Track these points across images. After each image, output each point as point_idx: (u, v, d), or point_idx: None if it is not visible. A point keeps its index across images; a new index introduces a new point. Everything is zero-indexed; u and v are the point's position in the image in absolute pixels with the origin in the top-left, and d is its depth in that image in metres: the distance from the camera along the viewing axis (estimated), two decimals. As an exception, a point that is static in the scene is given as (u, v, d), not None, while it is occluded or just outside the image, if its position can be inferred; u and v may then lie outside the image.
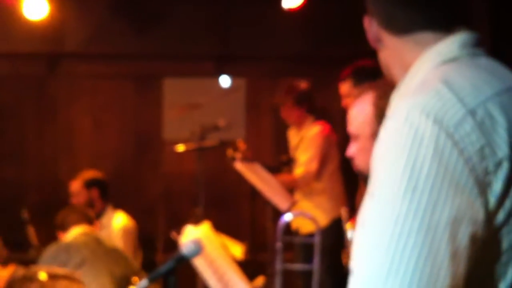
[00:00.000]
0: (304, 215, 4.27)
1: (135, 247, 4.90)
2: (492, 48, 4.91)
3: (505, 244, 1.01)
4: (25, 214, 4.89)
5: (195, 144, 4.79)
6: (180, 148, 4.87)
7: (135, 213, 5.07)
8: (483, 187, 0.98)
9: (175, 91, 6.43)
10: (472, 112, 1.00)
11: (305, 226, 4.46)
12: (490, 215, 0.99)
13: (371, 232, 0.98)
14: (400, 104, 1.05)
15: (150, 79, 6.50)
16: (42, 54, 6.32)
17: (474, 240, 0.97)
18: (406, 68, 1.18)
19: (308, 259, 4.13)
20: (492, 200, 0.99)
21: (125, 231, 4.77)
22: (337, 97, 3.87)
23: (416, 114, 1.00)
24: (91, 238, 3.69)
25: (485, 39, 1.20)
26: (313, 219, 4.14)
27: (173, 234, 2.85)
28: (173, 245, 3.06)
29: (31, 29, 5.68)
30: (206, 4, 6.28)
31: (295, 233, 4.56)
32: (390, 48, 1.22)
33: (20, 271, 3.05)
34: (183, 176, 6.05)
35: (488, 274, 1.02)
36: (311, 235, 4.17)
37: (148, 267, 4.52)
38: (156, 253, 5.45)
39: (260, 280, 2.99)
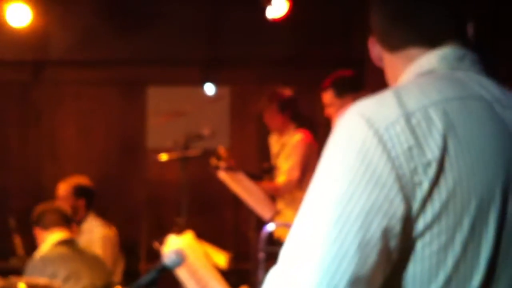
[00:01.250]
0: (286, 225, 4.28)
1: (116, 256, 4.87)
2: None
3: (435, 246, 1.05)
4: (12, 223, 4.86)
5: (179, 153, 4.79)
6: (164, 157, 4.87)
7: (118, 220, 5.06)
8: (409, 185, 1.03)
9: (159, 99, 6.43)
10: (408, 115, 1.06)
11: (287, 236, 4.46)
12: (414, 214, 1.04)
13: (297, 217, 1.08)
14: (350, 107, 1.12)
15: (135, 86, 6.49)
16: (26, 61, 6.30)
17: (388, 235, 1.02)
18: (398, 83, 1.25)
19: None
20: (419, 198, 1.04)
21: (105, 240, 4.74)
22: (322, 103, 3.91)
23: (353, 114, 1.09)
24: (73, 248, 3.68)
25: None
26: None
27: (156, 244, 2.85)
28: (156, 253, 3.06)
29: (15, 36, 5.66)
30: (192, 11, 6.29)
31: (278, 242, 4.56)
32: (387, 64, 1.29)
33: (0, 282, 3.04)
34: (166, 184, 6.05)
35: (419, 275, 1.06)
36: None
37: (130, 275, 4.51)
38: (139, 262, 5.43)
39: (243, 289, 3.00)
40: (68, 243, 3.70)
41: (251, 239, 4.63)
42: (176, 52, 6.32)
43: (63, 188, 4.81)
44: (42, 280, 3.13)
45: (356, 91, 3.67)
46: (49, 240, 3.68)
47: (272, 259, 4.40)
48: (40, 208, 3.84)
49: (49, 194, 4.97)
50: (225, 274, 2.78)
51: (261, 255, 3.94)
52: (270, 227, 4.04)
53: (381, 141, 1.04)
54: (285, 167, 4.58)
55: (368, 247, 1.01)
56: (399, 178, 1.02)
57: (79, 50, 6.23)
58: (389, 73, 1.29)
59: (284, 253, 1.07)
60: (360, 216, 1.01)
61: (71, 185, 4.80)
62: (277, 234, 4.56)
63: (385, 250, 1.02)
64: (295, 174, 4.52)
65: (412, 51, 1.22)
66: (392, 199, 1.02)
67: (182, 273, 2.55)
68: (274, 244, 4.45)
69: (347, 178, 1.03)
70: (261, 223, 4.24)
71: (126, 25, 6.24)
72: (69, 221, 3.85)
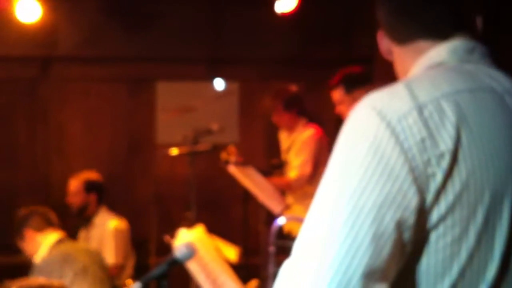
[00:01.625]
0: (296, 219, 4.27)
1: (128, 250, 4.89)
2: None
3: (449, 237, 1.05)
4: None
5: (188, 148, 4.79)
6: (173, 152, 4.87)
7: (127, 215, 5.07)
8: (422, 177, 1.03)
9: (168, 94, 6.43)
10: (420, 107, 1.05)
11: (297, 230, 4.45)
12: (428, 205, 1.04)
13: (311, 209, 1.08)
14: (361, 100, 1.12)
15: (143, 82, 6.49)
16: (34, 57, 6.30)
17: (402, 226, 1.02)
18: (407, 75, 1.24)
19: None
20: (433, 190, 1.03)
21: (117, 232, 4.77)
22: (329, 100, 3.90)
23: (365, 107, 1.08)
24: (72, 245, 3.68)
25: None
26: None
27: (166, 237, 2.85)
28: (166, 248, 3.06)
29: (24, 32, 5.67)
30: (199, 7, 6.29)
31: (288, 236, 4.55)
32: (397, 57, 1.29)
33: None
34: (175, 179, 6.05)
35: (433, 267, 1.06)
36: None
37: (141, 270, 4.52)
38: (149, 256, 5.44)
39: (253, 283, 2.99)
40: (65, 241, 3.68)
41: (261, 233, 4.63)
42: (183, 48, 6.32)
43: (74, 184, 4.84)
44: (41, 280, 3.12)
45: (365, 85, 3.67)
46: (46, 242, 3.63)
47: (282, 253, 4.39)
48: (26, 210, 3.78)
49: (57, 189, 4.99)
50: (235, 268, 2.78)
51: (271, 249, 3.92)
52: (280, 221, 4.04)
53: (393, 133, 1.03)
54: (296, 163, 4.57)
55: (382, 239, 1.01)
56: (412, 170, 1.02)
57: (87, 47, 6.24)
58: (398, 66, 1.29)
59: (297, 247, 1.07)
60: (373, 209, 1.01)
61: (82, 181, 4.83)
62: (287, 228, 4.55)
63: (399, 242, 1.02)
64: (307, 169, 4.51)
65: (421, 43, 1.21)
66: (406, 191, 1.02)
67: (192, 266, 2.54)
68: (284, 238, 4.44)
69: (359, 171, 1.03)
70: (271, 217, 4.23)
71: (134, 22, 6.25)
72: (55, 223, 3.79)
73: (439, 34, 1.20)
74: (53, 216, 3.81)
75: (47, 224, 3.70)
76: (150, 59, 6.38)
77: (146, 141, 6.41)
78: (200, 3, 6.30)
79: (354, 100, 3.65)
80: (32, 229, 3.69)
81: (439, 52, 1.19)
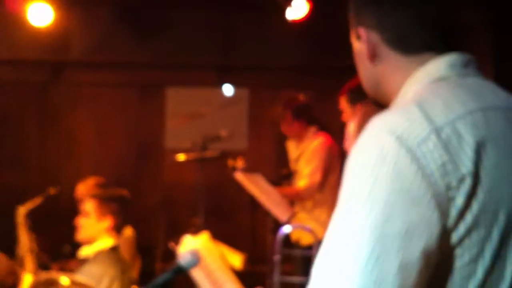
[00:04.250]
0: (303, 228, 4.26)
1: (133, 255, 4.89)
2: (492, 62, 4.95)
3: (466, 258, 1.04)
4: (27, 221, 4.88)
5: (197, 154, 4.79)
6: (181, 157, 4.87)
7: (135, 221, 5.07)
8: (444, 201, 1.01)
9: (178, 100, 6.45)
10: (437, 131, 1.04)
11: (305, 238, 4.44)
12: (449, 229, 1.02)
13: (328, 239, 1.04)
14: (373, 121, 1.08)
15: (153, 88, 6.52)
16: (46, 61, 6.34)
17: (427, 253, 1.00)
18: (400, 86, 1.22)
19: (308, 271, 4.10)
20: (454, 214, 1.02)
21: (122, 239, 4.77)
22: (338, 109, 3.91)
23: (381, 131, 1.05)
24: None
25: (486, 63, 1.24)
26: (312, 232, 4.13)
27: (171, 244, 2.85)
28: (172, 254, 3.06)
29: (36, 36, 5.70)
30: (210, 15, 6.31)
31: (295, 245, 4.54)
32: (390, 65, 1.24)
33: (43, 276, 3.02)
34: (183, 185, 6.06)
35: (450, 286, 1.05)
36: (310, 248, 4.17)
37: (146, 275, 4.52)
38: (155, 262, 5.44)
39: (258, 292, 2.98)
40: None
41: (268, 241, 4.62)
42: (194, 55, 6.34)
43: (82, 190, 4.84)
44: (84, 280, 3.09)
45: (365, 100, 3.69)
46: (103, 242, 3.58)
47: (288, 261, 4.39)
48: None
49: (66, 193, 5.00)
50: (241, 275, 2.77)
51: (277, 257, 3.93)
52: (286, 229, 4.03)
53: (414, 158, 1.01)
54: (306, 171, 4.54)
55: (408, 268, 0.99)
56: (435, 195, 1.01)
57: (99, 52, 6.27)
58: (388, 73, 1.24)
59: (318, 277, 1.03)
60: (398, 237, 0.99)
61: (89, 187, 4.83)
62: (295, 237, 4.54)
63: (424, 268, 1.00)
64: (317, 177, 4.48)
65: (426, 55, 1.20)
66: (429, 217, 1.00)
67: (197, 274, 2.54)
68: (291, 246, 4.43)
69: (382, 199, 1.00)
70: (278, 225, 4.22)
71: (145, 29, 6.27)
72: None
73: (443, 47, 1.20)
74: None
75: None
76: (161, 65, 6.40)
77: (155, 146, 6.42)
78: (213, 10, 6.32)
79: (354, 112, 3.73)
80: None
81: (438, 67, 1.18)
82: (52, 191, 4.76)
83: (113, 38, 6.23)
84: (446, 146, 1.03)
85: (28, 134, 6.44)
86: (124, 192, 3.61)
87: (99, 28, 6.23)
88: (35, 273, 3.21)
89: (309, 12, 5.14)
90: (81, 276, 3.12)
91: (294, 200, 4.60)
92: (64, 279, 2.91)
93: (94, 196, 3.53)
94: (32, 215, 5.13)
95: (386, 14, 1.22)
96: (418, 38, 1.20)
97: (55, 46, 6.17)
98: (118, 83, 6.47)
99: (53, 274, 3.06)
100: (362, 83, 1.32)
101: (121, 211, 3.57)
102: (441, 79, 1.17)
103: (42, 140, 6.44)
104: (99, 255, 3.38)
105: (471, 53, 1.21)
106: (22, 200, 6.13)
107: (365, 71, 1.29)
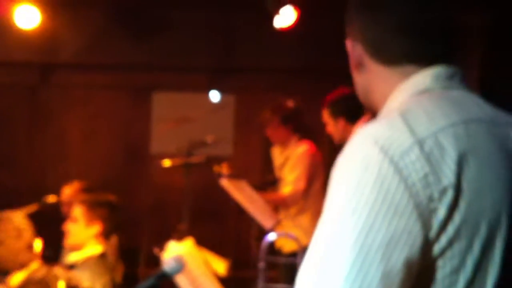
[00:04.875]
0: (288, 236, 4.27)
1: (116, 260, 4.86)
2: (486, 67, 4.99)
3: (448, 269, 1.06)
4: None
5: (182, 160, 4.79)
6: (167, 163, 4.87)
7: (120, 224, 5.05)
8: (426, 212, 1.03)
9: (165, 105, 6.45)
10: (420, 142, 1.05)
11: (288, 245, 4.46)
12: (431, 240, 1.04)
13: (312, 249, 1.05)
14: (358, 131, 1.10)
15: (143, 91, 6.51)
16: (35, 63, 6.32)
17: (409, 263, 1.01)
18: (385, 96, 1.24)
19: (292, 278, 4.10)
20: (436, 225, 1.03)
21: (109, 245, 4.74)
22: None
23: (366, 142, 1.06)
24: None
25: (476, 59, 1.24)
26: (296, 239, 4.14)
27: (156, 249, 2.85)
28: (156, 259, 3.06)
29: (25, 38, 5.67)
30: (202, 19, 6.31)
31: (278, 251, 4.55)
32: (374, 75, 1.26)
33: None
34: (170, 190, 6.05)
35: None
36: (293, 254, 4.18)
37: (129, 281, 4.50)
38: (138, 267, 5.42)
39: (242, 298, 2.98)
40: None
41: (252, 248, 4.62)
42: (184, 59, 6.33)
43: (67, 192, 4.82)
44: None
45: (348, 116, 3.82)
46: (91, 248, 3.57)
47: (272, 268, 4.40)
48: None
49: (54, 195, 4.98)
50: (225, 281, 2.78)
51: (261, 264, 3.93)
52: (271, 236, 4.04)
53: (397, 169, 1.02)
54: (291, 178, 4.56)
55: (390, 278, 1.00)
56: (416, 206, 1.02)
57: (87, 54, 6.25)
58: (373, 84, 1.27)
59: (301, 286, 1.04)
60: (381, 248, 1.00)
61: (75, 190, 4.81)
62: (277, 243, 4.55)
63: (406, 279, 1.02)
64: (301, 184, 4.50)
65: (408, 67, 1.21)
66: (411, 228, 1.01)
67: (181, 280, 2.54)
68: (275, 254, 4.44)
69: (365, 209, 1.01)
70: (263, 232, 4.23)
71: (136, 31, 6.26)
72: None
73: (426, 59, 1.20)
74: None
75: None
76: (151, 68, 6.39)
77: (142, 150, 6.41)
78: (204, 14, 6.31)
79: (336, 125, 3.86)
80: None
81: (424, 79, 1.19)
82: (50, 199, 4.72)
83: (102, 40, 6.22)
84: (428, 158, 1.04)
85: (17, 135, 6.41)
86: (112, 198, 3.60)
87: (88, 30, 6.22)
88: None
89: (299, 16, 5.16)
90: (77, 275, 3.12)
91: (279, 206, 4.62)
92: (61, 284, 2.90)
93: (83, 202, 3.51)
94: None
95: (367, 27, 1.24)
96: (396, 50, 1.21)
97: (44, 48, 6.15)
98: (107, 85, 6.45)
99: (52, 271, 3.03)
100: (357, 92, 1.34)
101: (110, 217, 3.55)
102: (425, 91, 1.19)
103: (31, 141, 6.42)
104: (87, 261, 3.36)
105: (463, 60, 1.23)
106: (8, 202, 6.11)
107: (356, 80, 1.31)
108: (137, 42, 6.22)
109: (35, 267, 3.13)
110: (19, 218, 3.47)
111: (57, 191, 4.89)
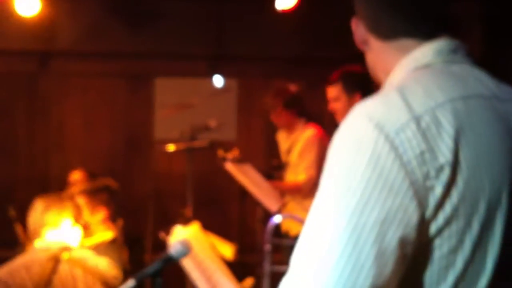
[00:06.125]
0: (293, 218, 4.25)
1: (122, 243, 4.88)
2: (485, 55, 4.95)
3: (445, 248, 1.03)
4: (11, 212, 4.85)
5: (185, 144, 4.77)
6: (170, 148, 4.85)
7: (124, 211, 5.06)
8: (422, 191, 1.00)
9: (167, 91, 6.42)
10: (417, 118, 1.03)
11: (295, 228, 4.44)
12: (428, 219, 1.01)
13: (307, 227, 1.03)
14: (355, 107, 1.08)
15: (142, 78, 6.48)
16: (34, 51, 6.29)
17: (404, 243, 0.99)
18: (387, 72, 1.22)
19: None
20: (432, 204, 1.01)
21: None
22: (327, 97, 3.85)
23: (361, 118, 1.04)
24: None
25: (475, 46, 1.22)
26: (302, 222, 4.12)
27: (162, 234, 2.84)
28: (161, 245, 3.05)
29: (23, 26, 5.66)
30: (200, 4, 6.28)
31: (285, 235, 4.54)
32: (377, 51, 1.25)
33: None
34: (173, 176, 6.04)
35: (428, 277, 1.04)
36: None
37: (135, 267, 4.50)
38: (144, 253, 5.43)
39: (248, 281, 2.98)
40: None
41: (257, 231, 4.62)
42: (183, 45, 6.31)
43: (77, 176, 4.85)
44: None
45: (364, 91, 3.58)
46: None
47: (278, 251, 4.39)
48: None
49: (55, 183, 4.98)
50: (231, 265, 2.77)
51: (267, 247, 3.92)
52: (276, 219, 4.03)
53: (392, 146, 1.00)
54: (303, 165, 4.51)
55: (384, 257, 0.98)
56: (412, 183, 0.99)
57: (87, 42, 6.23)
58: (377, 60, 1.26)
59: (295, 264, 1.03)
60: (375, 227, 0.98)
61: (85, 172, 4.84)
62: (285, 227, 4.54)
63: (401, 258, 1.00)
64: (312, 172, 4.46)
65: (406, 42, 1.19)
66: (407, 206, 0.99)
67: (187, 264, 2.53)
68: (281, 236, 4.43)
69: (360, 187, 0.99)
70: (268, 215, 4.22)
71: (134, 18, 6.23)
72: None
73: (425, 33, 1.18)
74: None
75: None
76: (150, 55, 6.37)
77: (144, 137, 6.40)
78: (202, 1, 6.28)
79: (351, 101, 3.60)
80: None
81: (425, 53, 1.17)
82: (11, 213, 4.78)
83: (101, 27, 6.19)
84: (424, 134, 1.01)
85: (16, 124, 6.39)
86: (109, 181, 3.62)
87: (87, 18, 6.19)
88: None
89: (299, 2, 5.12)
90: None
91: (292, 194, 4.56)
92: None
93: (82, 192, 3.54)
94: (20, 206, 5.12)
95: (365, 3, 1.24)
96: (391, 24, 1.20)
97: (42, 36, 6.13)
98: (107, 73, 6.43)
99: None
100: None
101: (111, 200, 3.58)
102: (427, 66, 1.16)
103: (30, 130, 6.40)
104: (99, 247, 3.38)
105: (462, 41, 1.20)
106: (9, 191, 6.11)
107: (366, 57, 1.30)
108: (135, 29, 6.20)
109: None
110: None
111: (59, 181, 4.90)
